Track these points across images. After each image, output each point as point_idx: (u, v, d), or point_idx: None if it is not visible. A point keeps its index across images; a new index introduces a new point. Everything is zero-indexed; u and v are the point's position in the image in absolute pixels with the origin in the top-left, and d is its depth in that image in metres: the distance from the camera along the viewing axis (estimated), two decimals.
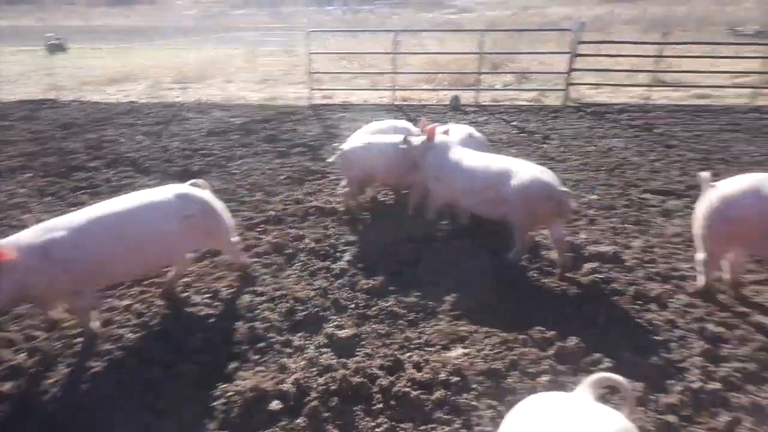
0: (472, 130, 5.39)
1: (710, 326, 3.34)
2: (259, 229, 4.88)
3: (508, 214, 4.03)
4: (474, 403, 2.73)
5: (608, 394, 2.51)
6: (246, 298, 3.75)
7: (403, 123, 5.87)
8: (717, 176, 3.69)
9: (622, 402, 1.90)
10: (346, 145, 5.13)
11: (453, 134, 4.94)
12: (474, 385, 2.84)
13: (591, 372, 2.70)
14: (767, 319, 3.43)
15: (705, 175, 3.65)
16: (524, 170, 3.98)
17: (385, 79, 12.18)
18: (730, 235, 3.40)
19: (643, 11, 30.92)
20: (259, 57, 17.75)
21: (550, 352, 3.10)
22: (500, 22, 26.17)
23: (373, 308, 3.62)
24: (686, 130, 8.38)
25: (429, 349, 3.20)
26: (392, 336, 3.34)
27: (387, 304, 3.64)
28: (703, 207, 3.53)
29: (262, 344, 3.24)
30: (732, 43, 13.78)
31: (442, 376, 2.89)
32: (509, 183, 3.96)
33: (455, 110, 10.09)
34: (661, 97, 11.22)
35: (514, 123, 9.09)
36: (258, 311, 3.58)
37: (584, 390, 1.74)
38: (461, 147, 4.61)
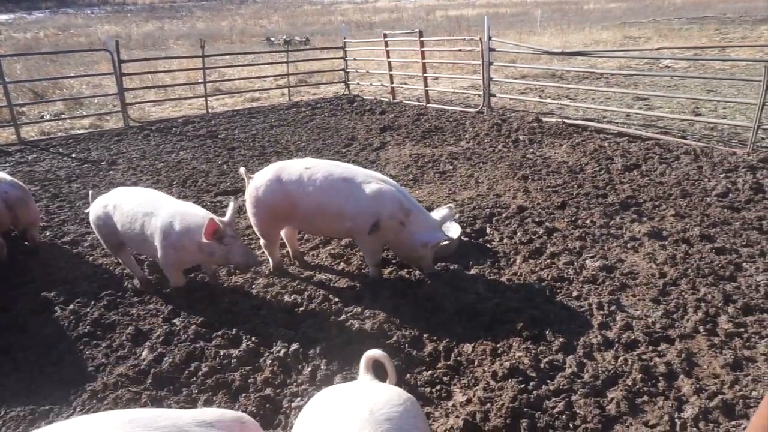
0: (0, 174, 4.56)
1: (286, 297, 3.79)
2: None
3: None
4: None
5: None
6: None
7: None
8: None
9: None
10: None
11: None
12: None
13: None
14: (326, 276, 4.13)
15: (242, 170, 4.09)
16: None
17: None
18: (269, 217, 3.88)
19: (192, 27, 32.47)
20: None
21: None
22: (37, 45, 23.01)
23: None
24: (244, 132, 9.27)
25: None
26: None
27: None
28: (247, 197, 3.95)
29: None
30: (269, 51, 15.93)
31: None
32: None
33: None
34: (220, 104, 12.08)
35: (74, 155, 8.19)
36: None
37: (363, 374, 1.90)
38: None
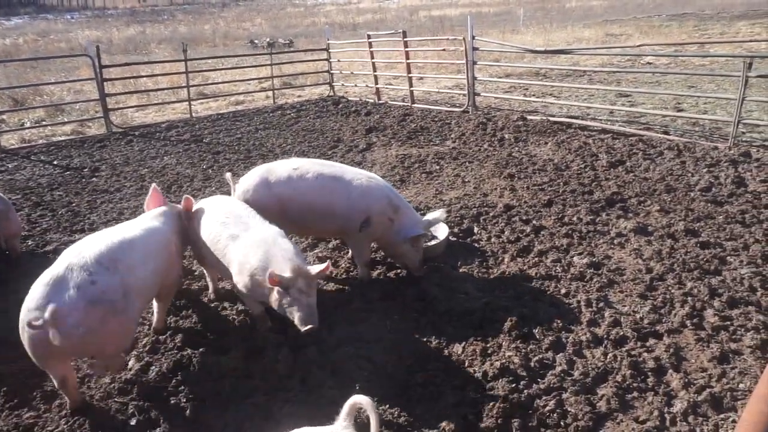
0: None
1: None
2: None
3: None
4: None
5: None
6: None
7: None
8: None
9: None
10: None
11: None
12: None
13: None
14: None
15: (228, 175, 4.05)
16: None
17: None
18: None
19: (173, 31, 32.17)
20: None
21: None
22: (17, 52, 22.65)
23: None
24: (229, 135, 9.20)
25: None
26: None
27: None
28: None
29: None
30: (253, 54, 15.84)
31: None
32: None
33: None
34: (204, 108, 11.98)
35: (56, 162, 8.07)
36: None
37: (343, 419, 1.72)
38: None
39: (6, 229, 4.44)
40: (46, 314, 2.36)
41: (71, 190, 6.63)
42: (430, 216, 3.88)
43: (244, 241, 3.14)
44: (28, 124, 10.60)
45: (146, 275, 2.90)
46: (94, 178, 7.14)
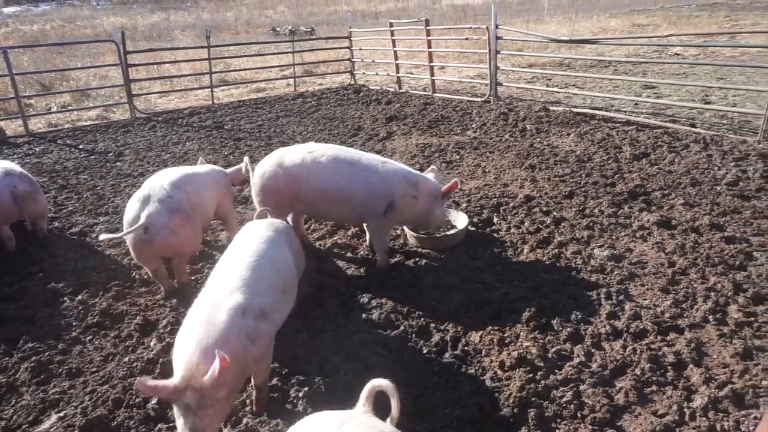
0: (10, 165, 4.59)
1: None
2: None
3: None
4: None
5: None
6: None
7: None
8: None
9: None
10: None
11: None
12: None
13: None
14: (333, 265, 4.12)
15: (246, 159, 4.09)
16: None
17: None
18: (274, 202, 3.86)
19: (197, 18, 32.38)
20: None
21: None
22: (44, 37, 23.03)
23: None
24: (250, 122, 9.26)
25: None
26: None
27: None
28: (252, 185, 3.94)
29: None
30: (275, 41, 15.85)
31: None
32: None
33: (1, 144, 8.41)
34: (226, 95, 12.06)
35: (81, 146, 8.22)
36: None
37: (362, 403, 1.71)
38: None
39: (33, 210, 4.55)
40: (141, 220, 3.28)
41: (96, 174, 6.75)
42: (429, 175, 4.02)
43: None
44: (54, 109, 10.80)
45: (203, 200, 3.77)
46: (118, 163, 7.25)
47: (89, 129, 9.29)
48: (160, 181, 3.54)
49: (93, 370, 3.05)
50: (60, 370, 3.05)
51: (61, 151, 7.99)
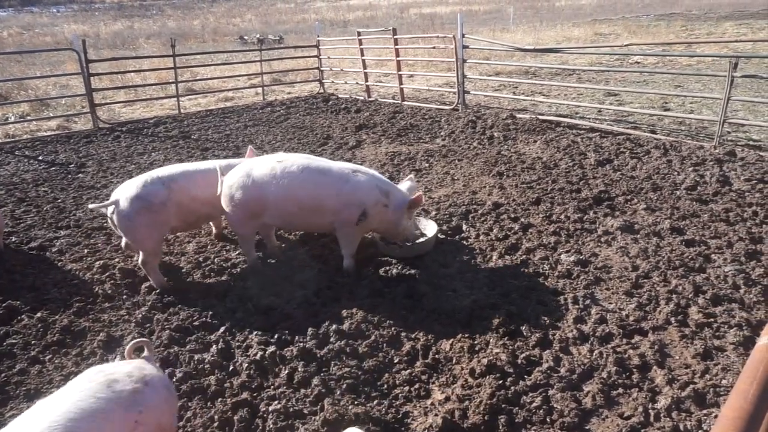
0: None
1: (262, 299, 3.74)
2: None
3: None
4: None
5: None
6: None
7: None
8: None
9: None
10: None
11: None
12: None
13: None
14: (302, 276, 4.08)
15: (218, 167, 4.01)
16: None
17: None
18: (243, 214, 3.82)
19: (162, 26, 31.87)
20: None
21: None
22: (1, 45, 22.31)
23: None
24: (218, 132, 9.13)
25: None
26: None
27: None
28: (221, 197, 3.88)
29: None
30: (243, 50, 15.73)
31: None
32: None
33: None
34: (192, 105, 11.88)
35: (41, 157, 7.96)
36: None
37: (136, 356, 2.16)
38: None
39: None
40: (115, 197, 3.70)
41: (57, 186, 6.55)
42: (404, 187, 4.02)
43: None
44: (12, 119, 10.45)
45: (192, 197, 3.87)
46: (80, 174, 7.05)
47: (49, 140, 9.01)
48: (158, 171, 3.84)
49: (53, 390, 2.93)
50: (17, 391, 2.93)
51: (20, 163, 7.73)
